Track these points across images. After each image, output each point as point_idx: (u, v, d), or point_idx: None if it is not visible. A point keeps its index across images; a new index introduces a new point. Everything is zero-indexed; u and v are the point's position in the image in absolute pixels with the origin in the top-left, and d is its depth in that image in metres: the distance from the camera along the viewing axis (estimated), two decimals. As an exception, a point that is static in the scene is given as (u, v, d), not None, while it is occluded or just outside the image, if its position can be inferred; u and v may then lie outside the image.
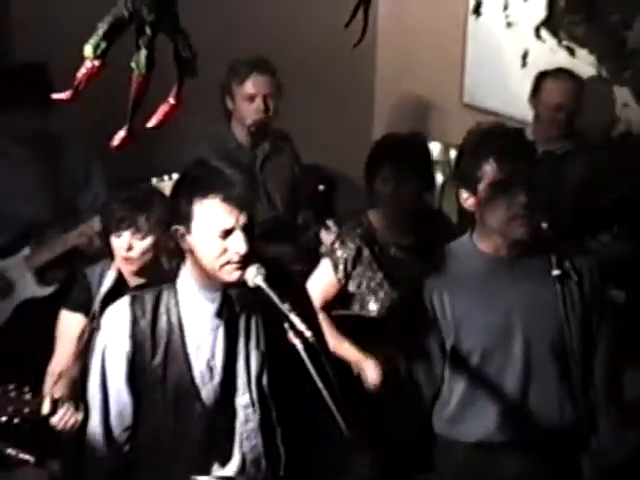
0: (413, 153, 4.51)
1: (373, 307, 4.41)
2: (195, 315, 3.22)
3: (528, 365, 3.55)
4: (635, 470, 3.87)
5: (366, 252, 4.44)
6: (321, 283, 4.44)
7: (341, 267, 4.44)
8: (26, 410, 3.57)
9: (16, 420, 3.54)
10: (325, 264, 4.48)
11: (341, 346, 4.29)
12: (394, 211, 4.48)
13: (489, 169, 3.50)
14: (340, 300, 4.48)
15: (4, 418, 3.48)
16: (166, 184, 4.21)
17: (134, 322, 3.21)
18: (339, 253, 4.44)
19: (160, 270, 3.66)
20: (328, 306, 4.40)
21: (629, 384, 4.73)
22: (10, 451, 3.18)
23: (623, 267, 4.61)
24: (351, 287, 4.47)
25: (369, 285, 4.43)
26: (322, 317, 4.30)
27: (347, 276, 4.44)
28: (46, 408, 3.69)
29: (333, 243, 4.52)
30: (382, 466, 3.59)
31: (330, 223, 4.88)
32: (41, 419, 3.66)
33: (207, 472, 3.24)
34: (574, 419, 3.60)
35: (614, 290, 4.58)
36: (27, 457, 3.17)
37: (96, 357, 3.32)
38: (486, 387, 3.56)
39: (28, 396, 3.58)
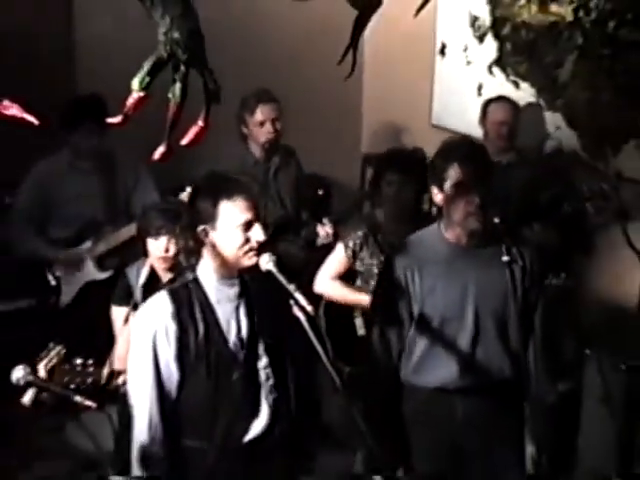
0: (412, 163, 4.52)
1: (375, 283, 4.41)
2: (221, 299, 3.19)
3: (477, 329, 3.56)
4: (563, 411, 3.94)
5: (371, 239, 4.46)
6: (335, 261, 4.51)
7: (350, 248, 4.46)
8: (89, 380, 3.54)
9: (82, 387, 3.50)
10: (339, 246, 4.52)
11: (359, 295, 4.42)
12: (396, 208, 4.48)
13: (453, 172, 3.51)
14: (349, 277, 4.53)
15: (72, 386, 3.46)
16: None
17: (177, 310, 3.13)
18: (350, 237, 4.49)
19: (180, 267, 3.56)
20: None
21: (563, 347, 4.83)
22: (77, 398, 3.18)
23: (552, 250, 4.67)
24: (358, 266, 4.50)
25: (372, 265, 4.44)
26: (340, 282, 4.50)
27: (354, 256, 4.47)
28: (104, 379, 3.70)
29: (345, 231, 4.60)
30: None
31: (325, 220, 4.94)
32: (101, 387, 3.66)
33: (246, 426, 3.21)
34: (513, 371, 3.60)
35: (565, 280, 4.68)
36: (90, 403, 3.17)
37: (145, 345, 3.15)
38: (443, 345, 3.56)
39: (91, 369, 3.55)
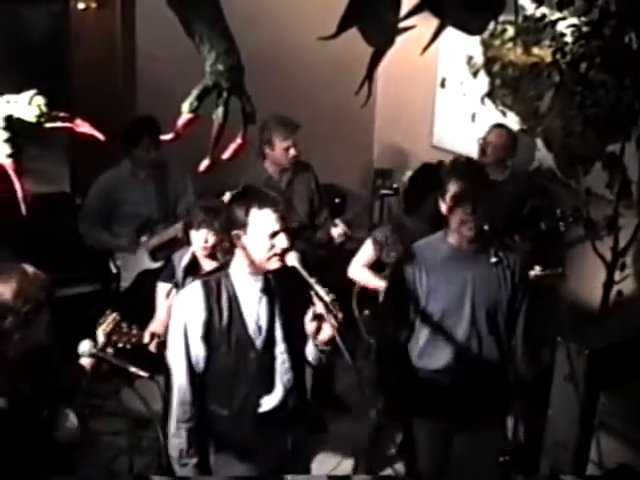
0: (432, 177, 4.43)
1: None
2: (246, 291, 3.12)
3: (473, 321, 3.51)
4: (540, 383, 3.92)
5: (395, 236, 4.41)
6: (365, 253, 4.50)
7: (378, 243, 4.46)
8: (133, 340, 3.61)
9: (127, 346, 3.57)
10: (368, 242, 4.51)
11: (378, 281, 4.40)
12: (422, 212, 4.38)
13: (452, 186, 3.46)
14: (379, 267, 4.51)
15: (120, 345, 3.52)
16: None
17: (207, 298, 3.08)
18: (376, 234, 4.49)
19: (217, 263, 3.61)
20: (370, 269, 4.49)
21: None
22: (132, 368, 3.16)
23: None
24: (385, 258, 4.45)
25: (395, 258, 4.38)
26: (367, 270, 4.50)
27: (381, 249, 4.45)
28: (146, 339, 3.75)
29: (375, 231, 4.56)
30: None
31: (337, 221, 4.86)
32: (142, 346, 3.72)
33: (260, 400, 3.16)
34: (500, 355, 3.56)
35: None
36: (143, 373, 3.14)
37: (178, 327, 3.12)
38: (443, 335, 3.52)
39: (135, 331, 3.61)
